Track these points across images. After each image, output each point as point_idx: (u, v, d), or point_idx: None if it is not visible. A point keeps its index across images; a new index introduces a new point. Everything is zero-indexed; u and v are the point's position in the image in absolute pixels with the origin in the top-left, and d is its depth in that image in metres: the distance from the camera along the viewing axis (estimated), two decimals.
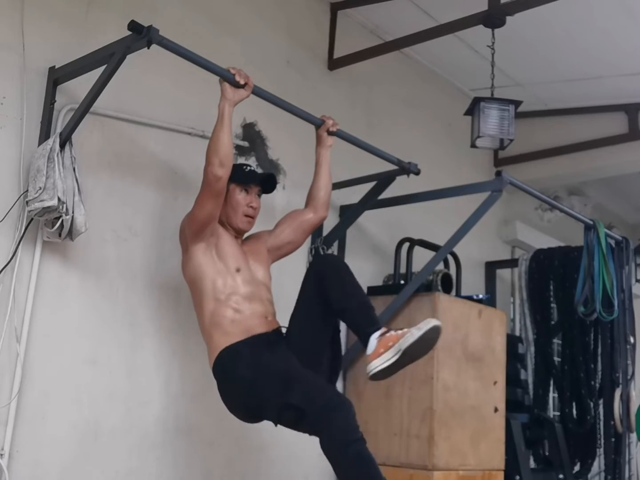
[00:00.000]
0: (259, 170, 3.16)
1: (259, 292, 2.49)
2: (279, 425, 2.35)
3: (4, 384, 2.33)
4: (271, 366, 2.31)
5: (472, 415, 3.27)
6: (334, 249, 3.57)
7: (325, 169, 2.74)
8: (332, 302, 2.35)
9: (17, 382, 2.34)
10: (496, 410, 3.42)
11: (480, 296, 3.71)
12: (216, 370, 2.39)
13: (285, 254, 2.77)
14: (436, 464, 3.01)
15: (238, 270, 2.46)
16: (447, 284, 3.55)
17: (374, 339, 2.19)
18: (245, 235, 2.67)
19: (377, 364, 2.15)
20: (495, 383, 3.44)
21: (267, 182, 2.64)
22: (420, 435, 3.07)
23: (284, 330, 2.49)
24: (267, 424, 2.44)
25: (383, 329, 2.21)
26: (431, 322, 2.16)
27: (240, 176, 2.52)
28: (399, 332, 2.16)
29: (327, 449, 2.11)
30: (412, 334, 2.12)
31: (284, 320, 2.52)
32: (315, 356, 2.42)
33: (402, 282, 3.60)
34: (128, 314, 2.71)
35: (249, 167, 2.64)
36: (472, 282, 4.34)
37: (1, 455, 2.28)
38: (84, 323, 2.58)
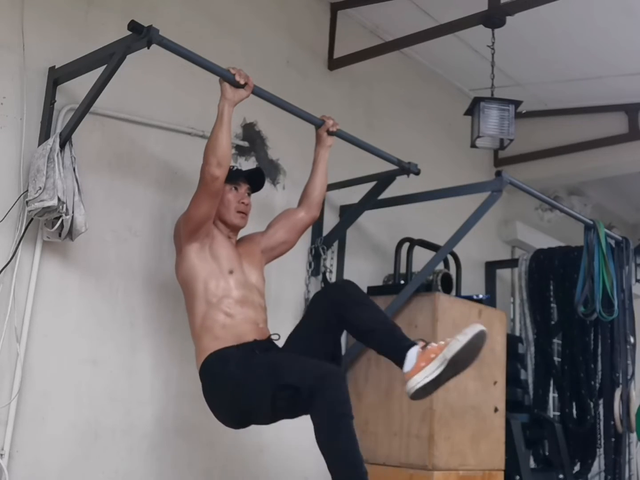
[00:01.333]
0: None
1: (251, 296, 2.48)
2: (276, 426, 2.35)
3: (4, 384, 2.33)
4: (261, 362, 2.28)
5: (472, 415, 3.26)
6: (334, 249, 3.57)
7: (323, 169, 2.74)
8: (358, 324, 2.30)
9: (17, 382, 2.34)
10: (496, 410, 3.42)
11: (480, 296, 3.70)
12: (203, 372, 2.37)
13: (279, 254, 2.77)
14: (436, 464, 3.01)
15: (231, 272, 2.45)
16: (447, 284, 3.55)
17: (413, 353, 2.07)
18: (239, 237, 2.67)
19: (419, 380, 2.02)
20: (495, 383, 3.43)
21: (255, 178, 2.66)
22: (420, 435, 3.07)
23: (274, 338, 2.48)
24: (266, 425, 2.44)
25: (421, 342, 2.11)
26: (476, 327, 2.05)
27: (228, 175, 2.49)
28: (441, 343, 2.06)
29: (318, 419, 2.06)
30: (458, 341, 2.01)
31: (281, 321, 2.52)
32: None
33: (402, 282, 3.59)
34: (128, 314, 2.71)
35: (235, 167, 2.66)
36: (472, 282, 4.34)
37: (1, 455, 2.28)
38: (83, 323, 2.58)
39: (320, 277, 3.52)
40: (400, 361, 2.11)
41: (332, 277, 3.60)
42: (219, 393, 2.36)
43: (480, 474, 3.26)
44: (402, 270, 3.66)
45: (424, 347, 2.07)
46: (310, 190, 2.74)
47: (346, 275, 3.64)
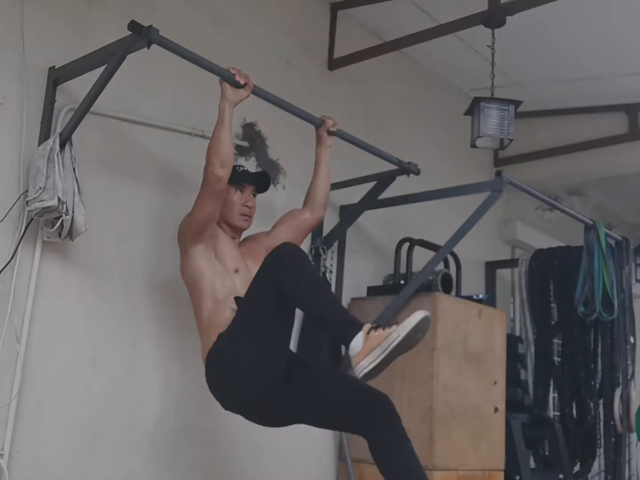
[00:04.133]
0: (258, 170, 3.17)
1: None
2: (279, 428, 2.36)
3: (4, 384, 2.33)
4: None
5: (472, 415, 3.26)
6: (334, 249, 3.57)
7: (324, 169, 2.74)
8: (300, 307, 2.30)
9: (17, 382, 2.33)
10: (496, 410, 3.42)
11: (480, 296, 3.70)
12: (209, 357, 2.35)
13: None
14: (436, 464, 3.00)
15: (237, 271, 2.46)
16: (447, 284, 3.54)
17: (358, 339, 2.09)
18: (243, 237, 2.67)
19: (365, 365, 2.06)
20: (495, 383, 3.43)
21: (260, 181, 2.65)
22: (420, 435, 3.05)
23: None
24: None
25: (367, 327, 2.10)
26: (418, 316, 2.04)
27: (234, 176, 2.48)
28: (386, 330, 2.05)
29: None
30: (399, 333, 2.03)
31: None
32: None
33: (402, 282, 3.59)
34: (128, 314, 2.71)
35: (242, 168, 2.65)
36: (472, 282, 4.34)
37: (1, 455, 2.27)
38: (84, 323, 2.58)
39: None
40: (346, 341, 2.12)
41: (332, 277, 3.60)
42: (224, 372, 2.34)
43: (481, 474, 3.25)
44: (402, 270, 3.66)
45: (368, 333, 2.08)
46: (313, 192, 2.74)
47: (346, 276, 3.64)
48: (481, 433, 3.31)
